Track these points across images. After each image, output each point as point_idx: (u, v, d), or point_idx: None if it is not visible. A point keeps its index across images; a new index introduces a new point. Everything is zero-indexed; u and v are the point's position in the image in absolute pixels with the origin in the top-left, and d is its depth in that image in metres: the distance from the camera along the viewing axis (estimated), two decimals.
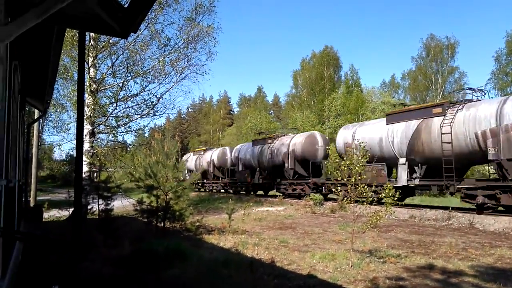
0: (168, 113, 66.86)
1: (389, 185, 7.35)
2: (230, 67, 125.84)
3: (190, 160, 34.31)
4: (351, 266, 6.16)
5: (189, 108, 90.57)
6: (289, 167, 20.28)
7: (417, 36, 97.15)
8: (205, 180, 31.01)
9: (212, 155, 30.12)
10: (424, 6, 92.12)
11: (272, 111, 76.33)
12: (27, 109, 14.89)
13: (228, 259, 6.45)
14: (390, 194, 7.04)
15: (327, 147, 20.38)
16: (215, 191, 29.34)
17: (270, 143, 22.61)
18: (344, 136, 17.53)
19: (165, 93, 16.71)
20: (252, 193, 24.41)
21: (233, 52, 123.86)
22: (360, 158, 7.45)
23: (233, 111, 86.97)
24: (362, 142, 14.74)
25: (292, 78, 53.33)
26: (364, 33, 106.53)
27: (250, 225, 11.24)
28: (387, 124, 15.32)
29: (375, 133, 15.78)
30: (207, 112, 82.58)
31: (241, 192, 25.41)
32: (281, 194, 20.96)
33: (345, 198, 7.51)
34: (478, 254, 7.27)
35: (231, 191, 27.16)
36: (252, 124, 48.56)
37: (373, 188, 14.12)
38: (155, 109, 16.42)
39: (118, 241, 7.49)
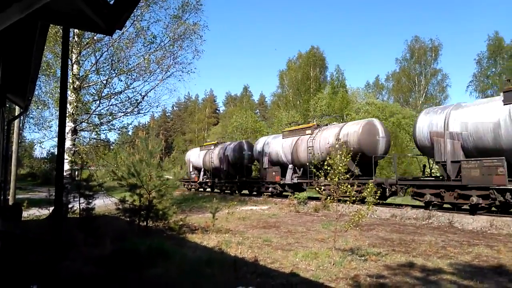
0: (152, 111, 66.26)
1: (370, 184, 7.46)
2: (217, 66, 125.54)
3: (197, 156, 30.08)
4: (333, 264, 6.23)
5: (174, 107, 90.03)
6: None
7: (402, 38, 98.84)
8: (216, 180, 26.72)
9: (226, 150, 25.46)
10: (409, 8, 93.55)
11: (258, 111, 76.46)
12: (7, 105, 14.55)
13: (211, 258, 6.45)
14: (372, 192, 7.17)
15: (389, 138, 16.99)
16: (228, 191, 25.11)
17: (309, 134, 18.66)
18: (429, 122, 13.26)
19: (150, 91, 16.59)
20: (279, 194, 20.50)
21: (220, 51, 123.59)
22: (343, 157, 7.53)
23: (219, 110, 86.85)
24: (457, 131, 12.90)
25: (278, 78, 53.64)
26: (350, 35, 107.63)
27: (234, 224, 11.25)
28: (505, 104, 11.24)
29: (486, 116, 11.63)
30: (193, 110, 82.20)
31: (265, 194, 21.41)
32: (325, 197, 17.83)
33: (329, 197, 7.59)
34: (457, 252, 7.45)
35: (248, 192, 23.58)
36: (238, 123, 48.58)
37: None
38: (140, 107, 16.26)
39: (100, 240, 7.39)
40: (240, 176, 24.28)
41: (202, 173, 29.15)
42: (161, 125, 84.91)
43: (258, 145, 23.04)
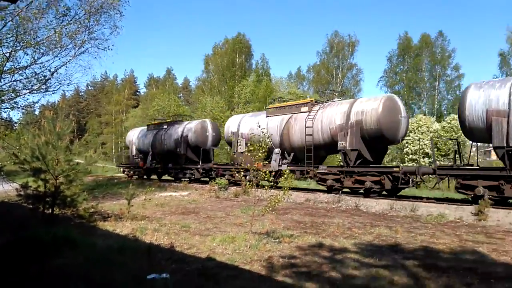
0: (63, 90, 60.69)
1: (286, 171, 7.78)
2: (139, 46, 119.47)
3: (143, 136, 25.63)
4: (249, 248, 6.40)
5: (89, 86, 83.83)
6: (348, 147, 13.62)
7: (324, 32, 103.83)
8: (170, 165, 22.83)
9: (185, 131, 21.68)
10: (331, 3, 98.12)
11: (181, 95, 74.70)
12: None
13: (124, 245, 6.20)
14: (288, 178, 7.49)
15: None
16: (186, 180, 21.04)
17: (306, 112, 15.52)
18: (485, 98, 10.74)
19: (60, 67, 15.24)
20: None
21: (142, 31, 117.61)
22: (262, 144, 7.77)
23: (140, 92, 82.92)
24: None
25: (204, 62, 53.05)
26: (276, 25, 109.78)
27: (151, 211, 10.94)
28: None
29: None
30: (110, 91, 77.19)
31: (237, 183, 17.44)
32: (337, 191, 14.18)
33: (248, 183, 7.75)
34: (360, 233, 8.13)
35: (207, 180, 19.76)
36: (159, 107, 47.06)
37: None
38: (48, 85, 14.90)
39: None
40: (203, 161, 20.69)
41: (150, 157, 24.62)
42: (73, 105, 78.91)
43: (231, 125, 19.23)
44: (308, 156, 14.86)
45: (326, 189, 14.42)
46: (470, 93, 11.22)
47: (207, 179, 20.42)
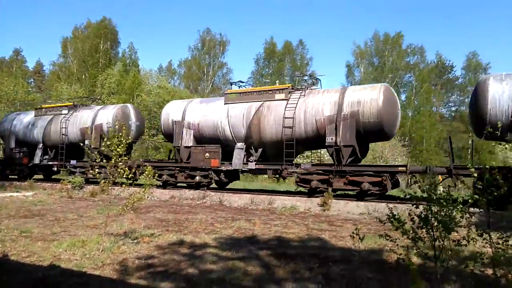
0: None
1: (148, 167, 7.45)
2: None
3: (27, 124, 20.16)
4: (102, 251, 5.94)
5: None
6: (342, 143, 11.58)
7: (196, 27, 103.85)
8: (74, 162, 17.98)
9: (97, 118, 17.54)
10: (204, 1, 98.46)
11: (32, 80, 65.24)
12: None
13: None
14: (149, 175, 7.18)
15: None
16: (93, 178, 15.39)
17: (283, 99, 13.14)
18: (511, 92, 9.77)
19: None
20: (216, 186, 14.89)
21: None
22: (122, 139, 7.25)
23: None
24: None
25: (61, 45, 47.53)
26: (147, 14, 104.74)
27: None
28: None
29: None
30: None
31: (177, 185, 15.15)
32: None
33: (104, 180, 7.14)
34: (222, 227, 8.35)
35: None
36: (3, 93, 40.18)
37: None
38: None
39: None
40: (126, 156, 15.72)
41: (39, 151, 19.49)
42: None
43: (172, 112, 15.75)
44: (287, 153, 12.60)
45: (307, 191, 12.47)
46: (491, 87, 10.15)
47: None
